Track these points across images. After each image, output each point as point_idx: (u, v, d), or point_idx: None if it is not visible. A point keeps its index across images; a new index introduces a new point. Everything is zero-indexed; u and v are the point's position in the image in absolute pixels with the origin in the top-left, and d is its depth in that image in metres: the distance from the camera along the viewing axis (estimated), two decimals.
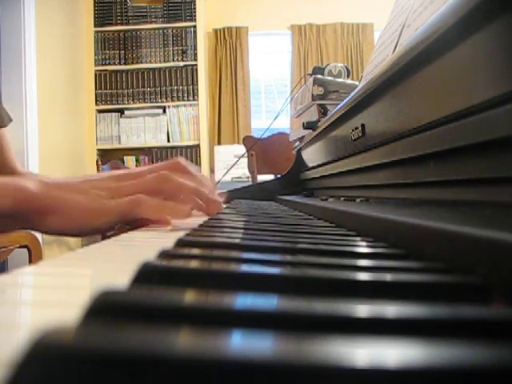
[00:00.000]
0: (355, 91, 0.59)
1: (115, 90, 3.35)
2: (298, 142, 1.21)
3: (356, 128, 0.59)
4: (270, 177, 2.17)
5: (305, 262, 0.20)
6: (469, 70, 0.30)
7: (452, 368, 0.08)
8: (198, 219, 0.46)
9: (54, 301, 0.16)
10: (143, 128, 3.36)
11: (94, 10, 3.33)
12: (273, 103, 4.00)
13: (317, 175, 0.94)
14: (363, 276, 0.16)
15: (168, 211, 0.45)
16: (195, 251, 0.22)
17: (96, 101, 3.34)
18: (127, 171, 0.50)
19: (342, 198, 0.66)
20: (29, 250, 1.86)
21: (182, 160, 0.51)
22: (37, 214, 0.41)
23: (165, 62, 3.36)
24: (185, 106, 3.36)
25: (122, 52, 3.37)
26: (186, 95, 3.36)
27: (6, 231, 0.42)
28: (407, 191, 0.44)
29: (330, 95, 1.07)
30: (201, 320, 0.11)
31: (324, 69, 1.19)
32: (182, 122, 3.36)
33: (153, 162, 3.22)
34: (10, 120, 0.83)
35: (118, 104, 3.35)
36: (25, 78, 2.54)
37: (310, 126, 0.97)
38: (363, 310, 0.11)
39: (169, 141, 3.35)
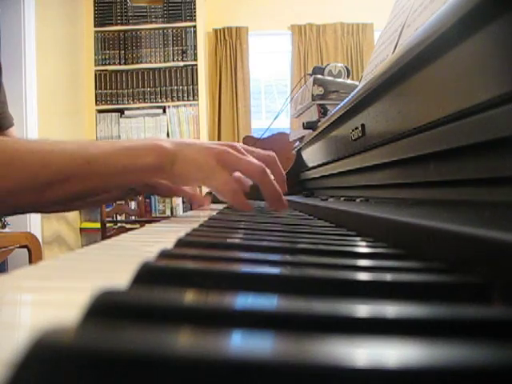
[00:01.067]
0: (355, 91, 0.59)
1: (115, 90, 3.35)
2: (297, 142, 1.21)
3: (356, 128, 0.59)
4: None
5: (305, 262, 0.20)
6: (469, 69, 0.30)
7: (452, 368, 0.08)
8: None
9: (54, 301, 0.16)
10: (143, 128, 3.36)
11: (94, 10, 3.33)
12: (273, 103, 3.99)
13: (317, 175, 0.94)
14: (363, 276, 0.16)
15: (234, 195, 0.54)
16: (195, 251, 0.22)
17: (96, 101, 3.34)
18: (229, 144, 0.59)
19: (342, 198, 0.66)
20: (29, 250, 1.86)
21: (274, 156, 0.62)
22: (169, 164, 0.52)
23: (165, 62, 3.36)
24: (185, 105, 3.36)
25: (122, 52, 3.37)
26: (186, 95, 3.36)
27: (146, 181, 0.56)
28: (407, 191, 0.44)
29: (329, 95, 1.07)
30: (201, 320, 0.11)
31: (324, 69, 1.19)
32: (182, 122, 3.36)
33: None
34: (12, 119, 0.88)
35: (117, 104, 3.34)
36: (25, 78, 2.54)
37: (309, 125, 0.97)
38: (363, 309, 0.11)
39: None
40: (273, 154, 0.62)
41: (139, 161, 0.50)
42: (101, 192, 0.54)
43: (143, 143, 0.52)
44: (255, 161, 0.56)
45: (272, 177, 0.57)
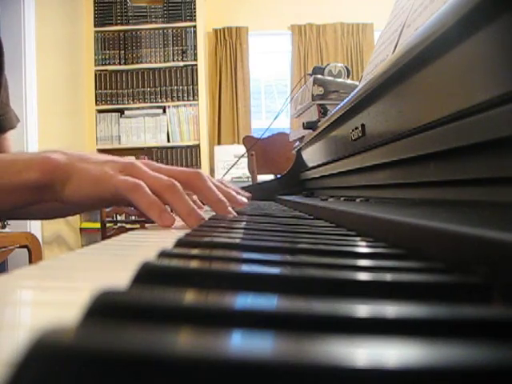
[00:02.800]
0: (355, 91, 0.59)
1: (115, 90, 3.35)
2: (297, 142, 1.21)
3: (356, 128, 0.59)
4: (270, 177, 2.17)
5: (305, 262, 0.20)
6: (469, 70, 0.30)
7: (452, 368, 0.08)
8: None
9: (54, 301, 0.16)
10: (143, 128, 3.36)
11: (94, 10, 3.33)
12: (273, 103, 4.00)
13: (317, 175, 0.94)
14: (363, 276, 0.16)
15: (157, 213, 0.44)
16: (195, 251, 0.22)
17: (96, 101, 3.34)
18: (151, 162, 0.51)
19: (342, 198, 0.66)
20: (29, 250, 1.87)
21: (203, 172, 0.51)
22: (60, 182, 0.44)
23: (165, 62, 3.36)
24: (185, 105, 3.36)
25: (122, 52, 3.37)
26: (186, 95, 3.36)
27: (33, 204, 0.45)
28: (407, 191, 0.44)
29: (329, 95, 1.07)
30: (201, 320, 0.11)
31: (324, 69, 1.19)
32: (182, 121, 3.36)
33: None
34: (18, 121, 0.83)
35: (118, 104, 3.35)
36: (25, 78, 2.54)
37: (309, 125, 0.97)
38: (363, 309, 0.11)
39: (169, 141, 3.35)
40: (196, 171, 0.51)
41: (19, 177, 0.43)
42: None
43: (29, 157, 0.45)
44: (163, 176, 0.47)
45: (181, 192, 0.46)
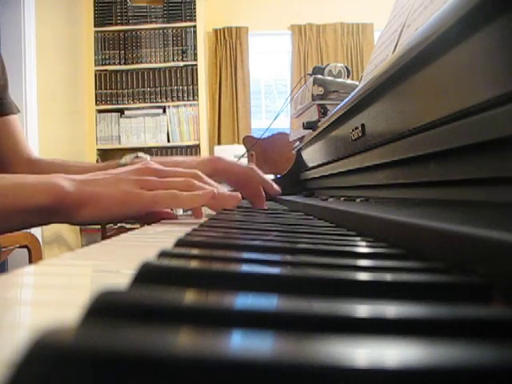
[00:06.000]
0: (355, 91, 0.59)
1: (115, 90, 3.35)
2: (297, 142, 1.21)
3: (356, 128, 0.59)
4: (270, 177, 2.17)
5: (305, 262, 0.20)
6: (469, 70, 0.30)
7: (452, 368, 0.08)
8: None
9: (54, 301, 0.16)
10: (143, 128, 3.36)
11: (94, 10, 3.33)
12: (273, 103, 3.99)
13: (317, 175, 0.94)
14: (363, 276, 0.16)
15: (202, 201, 0.49)
16: (195, 251, 0.22)
17: (96, 101, 3.34)
18: (142, 165, 0.53)
19: (342, 198, 0.66)
20: (29, 250, 1.87)
21: (199, 172, 0.55)
22: (71, 208, 0.45)
23: (165, 62, 3.36)
24: (185, 105, 3.36)
25: (122, 52, 3.37)
26: (186, 95, 3.36)
27: (42, 224, 0.46)
28: (407, 191, 0.44)
29: (329, 95, 1.07)
30: (201, 320, 0.11)
31: (324, 69, 1.19)
32: (182, 122, 3.36)
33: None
34: (18, 111, 0.84)
35: (118, 104, 3.34)
36: (25, 78, 2.54)
37: (309, 125, 0.97)
38: (363, 309, 0.11)
39: (169, 141, 3.35)
40: (194, 171, 0.54)
41: (29, 201, 0.43)
42: None
43: (40, 182, 0.45)
44: (177, 178, 0.50)
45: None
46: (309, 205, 0.64)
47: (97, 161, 3.26)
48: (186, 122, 3.36)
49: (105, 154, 3.34)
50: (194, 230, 0.36)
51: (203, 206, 0.55)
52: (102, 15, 3.34)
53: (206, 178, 0.55)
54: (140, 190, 0.47)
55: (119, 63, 3.36)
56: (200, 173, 0.55)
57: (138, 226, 2.76)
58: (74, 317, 0.11)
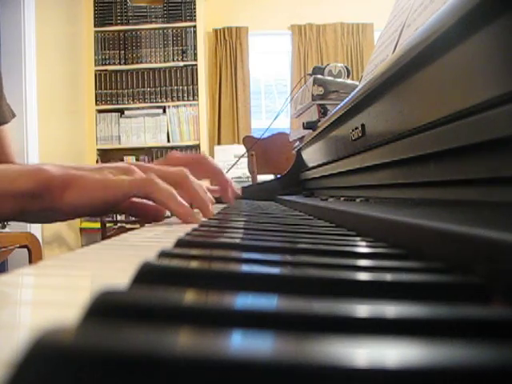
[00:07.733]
0: (355, 91, 0.59)
1: (115, 90, 3.35)
2: (297, 142, 1.21)
3: (356, 128, 0.59)
4: (270, 177, 2.17)
5: (305, 262, 0.20)
6: (469, 70, 0.30)
7: (452, 368, 0.08)
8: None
9: (54, 301, 0.16)
10: (143, 128, 3.36)
11: (94, 10, 3.33)
12: (273, 103, 3.99)
13: (317, 175, 0.94)
14: (363, 276, 0.16)
15: (178, 202, 0.47)
16: (195, 251, 0.22)
17: (96, 101, 3.34)
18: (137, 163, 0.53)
19: (342, 198, 0.66)
20: (29, 250, 1.87)
21: (186, 170, 0.53)
22: (55, 192, 0.45)
23: (165, 62, 3.36)
24: (185, 105, 3.36)
25: (122, 52, 3.37)
26: (186, 95, 3.36)
27: (30, 210, 0.46)
28: (407, 191, 0.44)
29: (329, 95, 1.07)
30: (201, 320, 0.11)
31: (324, 69, 1.19)
32: (182, 122, 3.36)
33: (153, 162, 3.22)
34: (14, 115, 0.82)
35: (118, 104, 3.35)
36: (25, 78, 2.54)
37: (309, 125, 0.97)
38: (363, 310, 0.11)
39: (169, 141, 3.35)
40: (181, 170, 0.53)
41: (12, 186, 0.44)
42: None
43: (21, 167, 0.46)
44: (170, 168, 0.51)
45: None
46: (309, 205, 0.64)
47: (97, 161, 3.26)
48: (186, 122, 3.36)
49: (105, 154, 3.34)
50: (194, 229, 0.36)
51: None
52: (102, 15, 3.34)
53: (192, 178, 0.53)
54: (118, 175, 0.47)
55: (119, 63, 3.36)
56: (187, 171, 0.53)
57: (138, 226, 2.76)
58: (74, 317, 0.11)
